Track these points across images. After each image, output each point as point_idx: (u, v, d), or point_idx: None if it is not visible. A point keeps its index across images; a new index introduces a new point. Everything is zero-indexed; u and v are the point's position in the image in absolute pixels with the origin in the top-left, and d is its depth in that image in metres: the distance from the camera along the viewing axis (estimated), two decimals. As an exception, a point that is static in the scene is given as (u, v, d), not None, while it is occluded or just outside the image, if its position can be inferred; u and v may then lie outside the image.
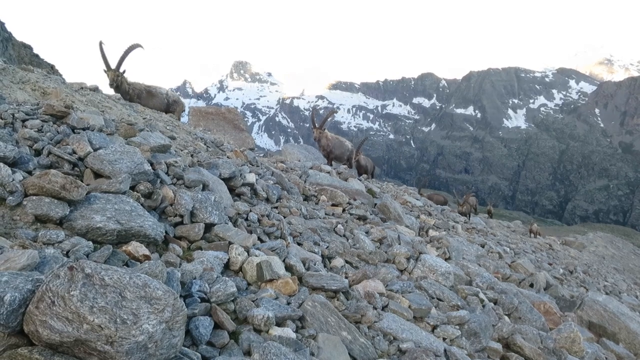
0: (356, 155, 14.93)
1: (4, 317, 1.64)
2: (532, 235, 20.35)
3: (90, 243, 2.49)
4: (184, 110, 11.73)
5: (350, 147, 14.11)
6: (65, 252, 2.34)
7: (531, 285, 6.85)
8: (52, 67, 32.52)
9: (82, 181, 3.14)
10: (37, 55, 35.65)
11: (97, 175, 3.27)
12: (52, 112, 3.84)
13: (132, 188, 3.33)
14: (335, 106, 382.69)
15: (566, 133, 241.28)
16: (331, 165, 13.38)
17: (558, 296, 6.86)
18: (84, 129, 3.86)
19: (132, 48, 9.42)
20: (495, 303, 4.98)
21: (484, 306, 4.63)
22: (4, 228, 2.41)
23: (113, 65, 9.15)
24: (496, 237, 13.20)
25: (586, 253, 23.99)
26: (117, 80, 9.21)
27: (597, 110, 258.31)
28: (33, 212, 2.56)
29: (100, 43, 9.09)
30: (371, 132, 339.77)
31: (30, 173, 2.92)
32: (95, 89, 6.56)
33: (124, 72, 9.34)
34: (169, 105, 10.80)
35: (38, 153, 3.25)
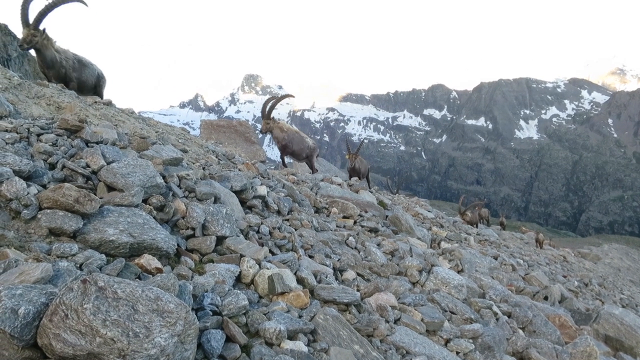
0: (352, 160, 14.60)
1: (18, 330, 1.66)
2: (538, 245, 19.94)
3: (103, 256, 2.50)
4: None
5: (311, 144, 13.06)
6: (78, 265, 2.36)
7: (545, 298, 6.76)
8: (66, 81, 32.99)
9: (95, 194, 3.17)
10: (52, 71, 36.19)
11: (110, 188, 3.30)
12: (67, 126, 3.89)
13: (145, 201, 3.35)
14: (346, 118, 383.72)
15: (579, 144, 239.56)
16: (284, 163, 12.82)
17: (573, 309, 6.76)
18: (97, 143, 3.90)
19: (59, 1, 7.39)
20: (509, 316, 4.92)
21: (497, 319, 4.57)
22: (19, 241, 2.43)
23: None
24: (509, 249, 13.07)
25: (601, 265, 23.64)
26: (32, 41, 7.17)
27: (610, 121, 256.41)
28: (47, 225, 2.58)
29: None
30: (382, 144, 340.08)
31: (44, 186, 2.95)
32: (108, 103, 6.64)
33: (44, 31, 7.28)
34: (99, 79, 8.96)
35: (52, 167, 3.29)
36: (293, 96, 13.38)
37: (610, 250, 33.46)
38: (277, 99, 12.27)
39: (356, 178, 14.82)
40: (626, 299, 12.36)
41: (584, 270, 16.18)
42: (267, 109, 12.01)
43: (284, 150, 12.43)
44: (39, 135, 3.71)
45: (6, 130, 3.57)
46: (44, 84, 6.18)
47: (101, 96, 8.99)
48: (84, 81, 8.34)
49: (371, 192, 9.98)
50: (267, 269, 3.19)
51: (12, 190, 2.64)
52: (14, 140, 3.42)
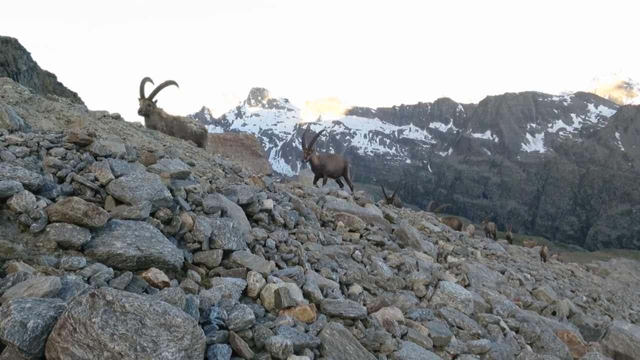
0: (306, 155, 13.02)
1: (27, 344, 1.66)
2: (543, 259, 19.68)
3: (111, 269, 2.51)
4: None
5: (196, 130, 11.18)
6: (86, 279, 2.37)
7: (553, 313, 6.70)
8: (75, 94, 33.40)
9: (103, 208, 3.19)
10: (60, 84, 36.71)
11: (118, 201, 3.32)
12: (76, 140, 3.93)
13: (152, 214, 3.36)
14: (351, 132, 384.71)
15: (586, 157, 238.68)
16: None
17: (582, 325, 6.69)
18: (106, 157, 3.94)
19: None
20: (516, 331, 4.87)
21: (505, 335, 4.53)
22: (28, 254, 2.45)
23: None
24: (516, 263, 12.97)
25: (610, 280, 23.41)
26: None
27: (617, 134, 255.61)
28: (56, 238, 2.60)
29: None
30: (388, 157, 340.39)
31: (53, 200, 2.97)
32: (117, 117, 6.70)
33: None
34: None
35: (61, 180, 3.32)
36: (176, 84, 10.75)
37: (618, 265, 33.16)
38: (162, 84, 10.33)
39: (351, 184, 14.05)
40: (635, 315, 12.22)
41: (592, 285, 16.03)
42: (144, 88, 10.19)
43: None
44: (48, 149, 3.75)
45: (16, 144, 3.61)
46: (53, 98, 6.25)
47: None
48: None
49: (377, 206, 9.97)
50: (274, 283, 3.18)
51: (21, 204, 2.66)
52: (24, 154, 3.46)
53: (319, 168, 13.39)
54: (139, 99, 10.00)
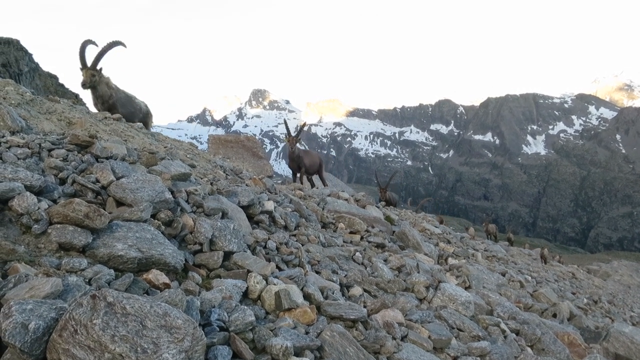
0: (292, 144, 12.47)
1: (28, 345, 1.67)
2: (543, 261, 19.59)
3: (112, 271, 2.52)
4: None
5: (144, 107, 10.20)
6: (87, 280, 2.37)
7: (554, 316, 6.69)
8: (76, 96, 33.47)
9: (104, 209, 3.20)
10: (62, 85, 36.78)
11: (120, 203, 3.32)
12: (77, 142, 3.94)
13: (153, 216, 3.37)
14: (352, 133, 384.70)
15: (587, 159, 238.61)
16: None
17: (582, 327, 6.68)
18: (107, 158, 3.95)
19: None
20: (517, 334, 4.87)
21: (505, 337, 4.53)
22: (29, 256, 2.45)
23: None
24: (517, 265, 12.96)
25: (611, 282, 23.39)
26: None
27: (618, 136, 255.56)
28: (57, 240, 2.61)
29: None
30: (389, 159, 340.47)
31: (55, 201, 2.98)
32: (118, 119, 6.71)
33: None
34: None
35: (63, 182, 3.32)
36: (123, 44, 9.16)
37: (619, 267, 33.12)
38: (105, 47, 8.75)
39: (324, 178, 13.95)
40: (636, 317, 12.20)
41: (593, 287, 16.03)
42: (86, 55, 8.59)
43: (110, 111, 8.85)
44: (50, 150, 3.76)
45: (18, 146, 3.63)
46: (55, 100, 6.27)
47: None
48: None
49: (378, 207, 9.97)
50: (274, 284, 3.18)
51: (23, 205, 2.67)
52: (25, 156, 3.47)
53: (296, 161, 13.00)
54: (81, 69, 8.50)
